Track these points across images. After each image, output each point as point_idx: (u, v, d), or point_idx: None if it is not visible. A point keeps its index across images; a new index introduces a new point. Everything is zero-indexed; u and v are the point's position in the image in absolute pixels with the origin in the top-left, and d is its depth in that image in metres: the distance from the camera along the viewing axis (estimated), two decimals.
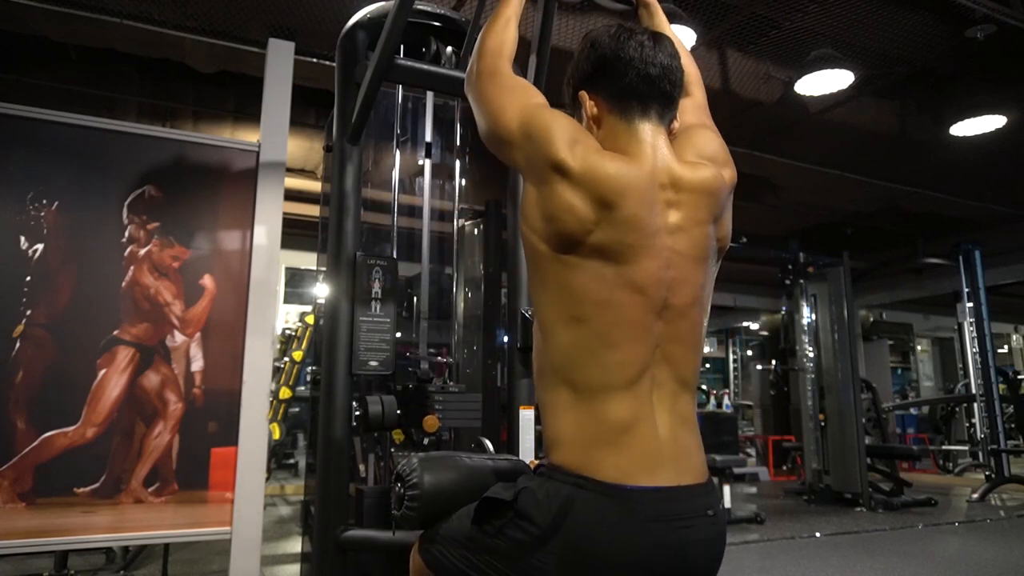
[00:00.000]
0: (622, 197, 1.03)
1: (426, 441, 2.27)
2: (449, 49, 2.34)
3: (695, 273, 1.09)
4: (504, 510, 1.05)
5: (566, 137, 1.06)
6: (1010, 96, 5.13)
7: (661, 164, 1.09)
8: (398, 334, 2.29)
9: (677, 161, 1.11)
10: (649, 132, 1.11)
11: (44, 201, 2.51)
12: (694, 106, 1.29)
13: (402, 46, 2.25)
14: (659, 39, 1.16)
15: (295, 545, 4.58)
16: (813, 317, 7.26)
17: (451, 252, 3.01)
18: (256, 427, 2.68)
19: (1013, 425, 9.64)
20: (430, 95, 2.81)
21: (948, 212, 7.94)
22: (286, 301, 8.96)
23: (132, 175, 2.65)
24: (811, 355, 7.16)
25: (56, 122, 2.57)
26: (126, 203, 2.63)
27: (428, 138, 2.78)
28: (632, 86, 1.12)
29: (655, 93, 1.13)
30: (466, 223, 3.76)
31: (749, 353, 16.28)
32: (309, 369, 7.14)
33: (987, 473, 7.67)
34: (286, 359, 7.13)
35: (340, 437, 2.06)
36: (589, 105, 1.16)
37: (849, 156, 6.30)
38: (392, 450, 2.49)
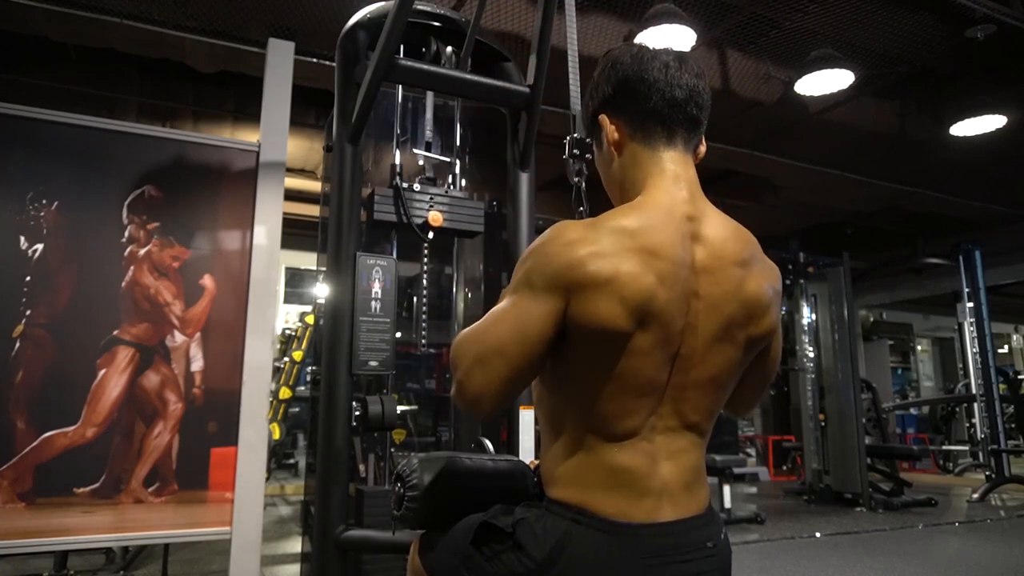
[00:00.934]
0: (655, 304, 0.95)
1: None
2: (449, 49, 2.34)
3: (713, 321, 1.01)
4: (503, 536, 1.04)
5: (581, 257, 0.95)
6: (1010, 96, 5.13)
7: (685, 208, 1.02)
8: (398, 334, 2.29)
9: (704, 208, 1.05)
10: (674, 160, 1.06)
11: (44, 201, 2.51)
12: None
13: (402, 46, 2.25)
14: (684, 59, 1.09)
15: (295, 545, 4.58)
16: (813, 317, 7.26)
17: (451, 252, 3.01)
18: (256, 427, 2.68)
19: (1013, 425, 9.64)
20: (430, 95, 2.81)
21: (948, 212, 7.94)
22: (286, 301, 8.96)
23: (132, 175, 2.65)
24: (811, 355, 7.16)
25: (56, 122, 2.57)
26: (126, 203, 2.63)
27: (428, 138, 2.78)
28: (656, 110, 1.06)
29: (681, 117, 1.07)
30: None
31: None
32: (309, 369, 7.14)
33: (987, 473, 7.67)
34: (286, 359, 7.13)
35: (340, 437, 2.06)
36: (610, 130, 1.10)
37: (849, 156, 6.31)
38: (392, 450, 2.49)
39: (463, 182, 2.80)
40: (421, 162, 2.73)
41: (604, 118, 1.11)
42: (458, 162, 2.80)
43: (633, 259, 0.94)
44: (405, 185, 2.52)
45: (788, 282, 7.41)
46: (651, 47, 1.11)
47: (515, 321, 0.97)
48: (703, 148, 1.12)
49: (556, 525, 0.99)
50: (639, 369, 0.96)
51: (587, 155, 1.35)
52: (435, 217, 2.51)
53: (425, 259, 2.67)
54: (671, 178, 1.04)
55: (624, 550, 0.96)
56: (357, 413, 2.13)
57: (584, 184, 1.37)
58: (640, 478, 0.99)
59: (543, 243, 0.99)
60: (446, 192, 2.61)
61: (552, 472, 1.04)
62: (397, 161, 2.59)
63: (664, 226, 0.99)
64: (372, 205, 2.45)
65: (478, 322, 1.04)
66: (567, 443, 1.02)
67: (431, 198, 2.54)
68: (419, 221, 2.50)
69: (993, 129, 5.42)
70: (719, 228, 1.03)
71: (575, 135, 1.37)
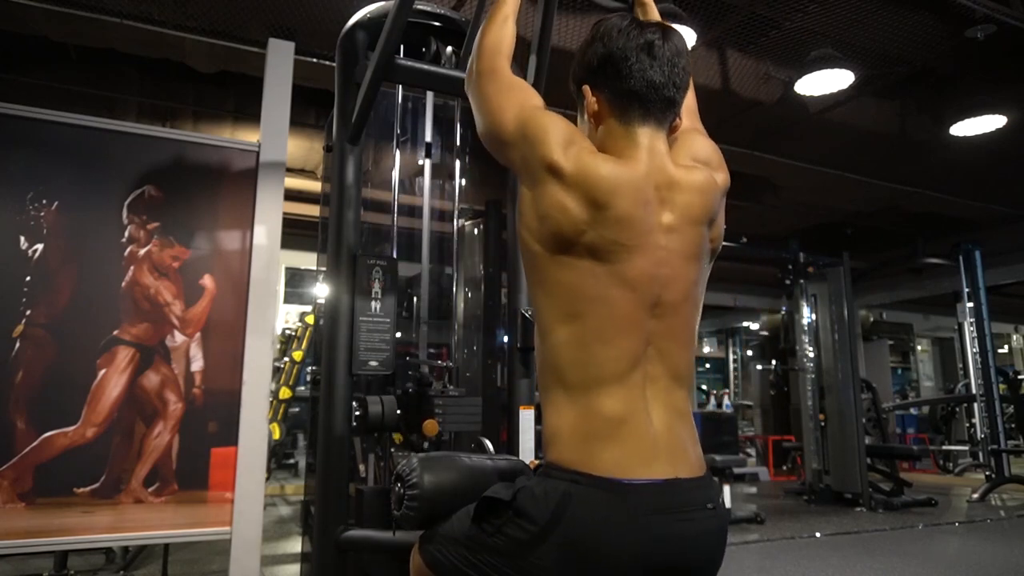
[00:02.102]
0: (614, 197, 1.04)
1: (426, 445, 2.28)
2: (449, 49, 2.34)
3: (688, 271, 1.10)
4: (503, 509, 1.05)
5: (560, 139, 1.07)
6: (1010, 96, 5.13)
7: (656, 166, 1.10)
8: (398, 334, 2.29)
9: (672, 164, 1.12)
10: (647, 136, 1.12)
11: (44, 201, 2.51)
12: (686, 110, 1.29)
13: (402, 46, 2.25)
14: (669, 36, 1.14)
15: (295, 545, 4.58)
16: (813, 317, 7.26)
17: (451, 252, 3.01)
18: (256, 427, 2.68)
19: (1013, 425, 9.64)
20: (430, 95, 2.81)
21: (948, 212, 7.94)
22: (286, 301, 8.96)
23: (132, 175, 2.65)
24: (811, 355, 7.16)
25: (56, 122, 2.57)
26: (126, 203, 2.63)
27: (428, 138, 2.78)
28: (635, 90, 1.12)
29: (658, 98, 1.12)
30: (466, 223, 3.76)
31: (749, 353, 16.27)
32: (309, 369, 7.14)
33: (987, 473, 7.67)
34: (286, 359, 7.14)
35: (340, 437, 2.06)
36: (591, 101, 1.16)
37: (849, 156, 6.31)
38: (392, 450, 2.49)
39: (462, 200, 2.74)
40: (421, 162, 2.71)
41: (587, 89, 1.17)
42: (458, 179, 2.73)
43: (603, 165, 1.06)
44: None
45: (788, 282, 7.41)
46: (641, 20, 1.17)
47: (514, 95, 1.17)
48: (679, 122, 1.19)
49: (556, 488, 1.01)
50: (620, 301, 1.04)
51: None
52: (430, 426, 2.20)
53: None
54: (644, 150, 1.11)
55: (626, 508, 0.98)
56: (357, 413, 2.13)
57: None
58: (634, 430, 1.02)
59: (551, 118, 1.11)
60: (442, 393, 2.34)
61: (548, 432, 1.07)
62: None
63: (633, 181, 1.07)
64: None
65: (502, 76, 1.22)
66: (561, 397, 1.06)
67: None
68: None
69: (993, 129, 5.42)
70: (685, 193, 1.11)
71: None
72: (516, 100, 1.16)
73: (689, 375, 1.12)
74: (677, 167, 1.12)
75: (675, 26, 1.20)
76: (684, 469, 1.04)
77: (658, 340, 1.07)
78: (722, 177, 1.18)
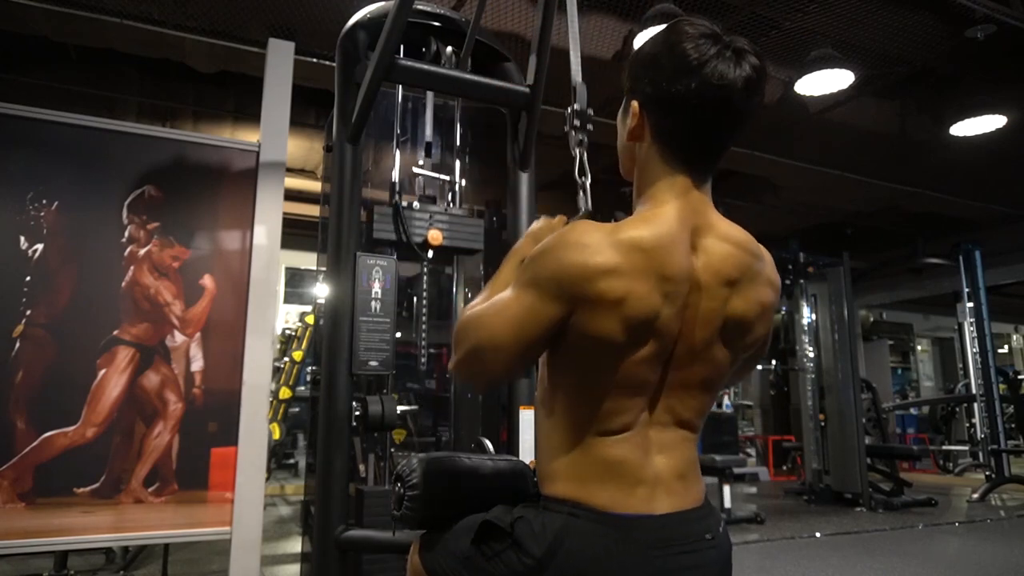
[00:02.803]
0: (655, 320, 0.96)
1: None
2: (449, 49, 2.34)
3: (703, 331, 1.02)
4: (503, 535, 1.04)
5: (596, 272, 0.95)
6: (1010, 96, 5.13)
7: (693, 210, 1.02)
8: (398, 334, 2.29)
9: (708, 217, 1.04)
10: (688, 177, 1.03)
11: (44, 201, 2.51)
12: None
13: (402, 46, 2.25)
14: (754, 90, 1.00)
15: (295, 545, 4.58)
16: (813, 317, 7.26)
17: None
18: (256, 427, 2.68)
19: (1013, 425, 9.64)
20: (430, 95, 2.81)
21: (948, 212, 7.94)
22: (286, 301, 8.96)
23: (132, 175, 2.65)
24: (811, 355, 7.16)
25: (56, 122, 2.57)
26: (126, 203, 2.63)
27: (428, 138, 2.78)
28: (686, 145, 1.02)
29: (709, 156, 1.04)
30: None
31: None
32: (309, 369, 7.14)
33: (987, 473, 7.67)
34: (286, 359, 7.13)
35: (340, 437, 2.06)
36: (633, 122, 1.06)
37: (849, 156, 6.31)
38: (392, 450, 2.49)
39: (462, 200, 2.80)
40: (420, 180, 2.73)
41: (636, 107, 1.05)
42: (458, 180, 2.80)
43: (645, 281, 0.94)
44: (404, 204, 2.52)
45: (788, 282, 7.41)
46: (733, 53, 0.98)
47: (516, 318, 0.98)
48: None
49: (553, 520, 0.99)
50: (634, 372, 0.98)
51: (588, 127, 1.39)
52: (434, 236, 2.51)
53: (425, 278, 2.67)
54: (681, 192, 1.03)
55: (623, 542, 0.96)
56: (357, 413, 2.13)
57: (586, 154, 1.37)
58: (633, 469, 1.00)
59: (559, 246, 0.96)
60: (445, 210, 2.61)
61: (547, 469, 1.05)
62: (396, 179, 2.59)
63: (674, 243, 0.98)
64: (371, 224, 2.45)
65: (483, 302, 1.05)
66: (562, 439, 1.03)
67: (430, 216, 2.54)
68: (418, 240, 2.50)
69: (993, 129, 5.42)
70: (720, 245, 1.02)
71: (576, 107, 1.39)
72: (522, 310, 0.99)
73: (699, 420, 1.06)
74: (717, 227, 1.03)
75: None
76: (683, 501, 1.02)
77: (669, 390, 1.02)
78: (772, 294, 1.07)
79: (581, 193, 1.36)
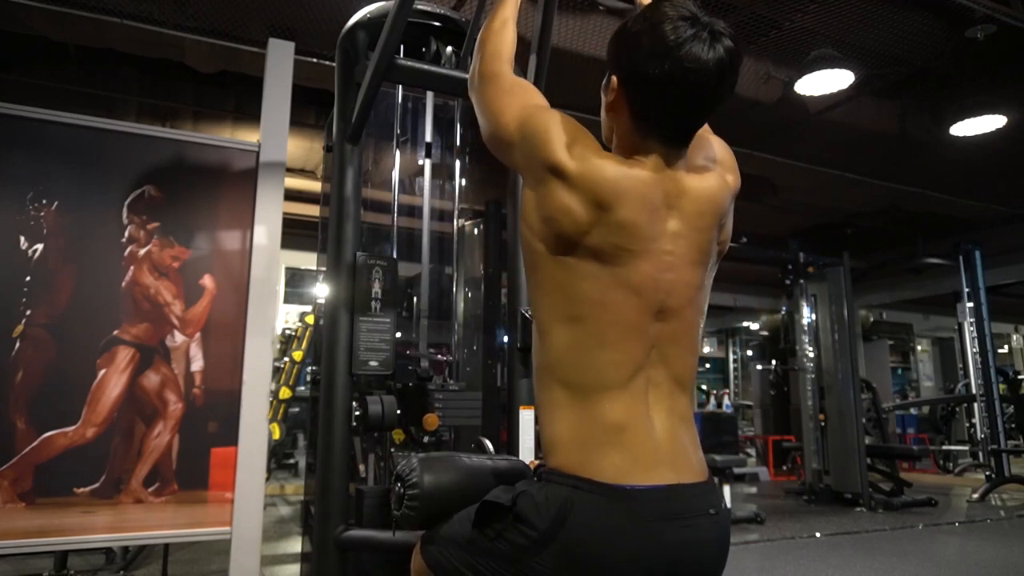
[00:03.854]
0: (619, 201, 1.01)
1: (426, 439, 2.28)
2: (449, 49, 2.34)
3: (693, 276, 1.08)
4: (503, 514, 1.04)
5: (564, 138, 1.05)
6: (1010, 96, 5.13)
7: (667, 173, 1.07)
8: (398, 334, 2.29)
9: (684, 168, 1.09)
10: (662, 152, 1.07)
11: (44, 201, 2.51)
12: None
13: (402, 46, 2.25)
14: (727, 75, 1.03)
15: (295, 545, 4.58)
16: (813, 317, 7.26)
17: (451, 252, 3.01)
18: (256, 427, 2.68)
19: (1013, 425, 9.64)
20: (430, 95, 2.81)
21: (948, 212, 7.94)
22: (286, 301, 8.96)
23: (132, 175, 2.65)
24: (811, 355, 7.16)
25: (56, 122, 2.57)
26: (126, 203, 2.63)
27: (428, 138, 2.78)
28: (663, 124, 1.06)
29: (683, 133, 1.08)
30: (466, 223, 3.76)
31: (749, 353, 16.27)
32: (309, 369, 7.14)
33: (987, 473, 7.67)
34: (286, 359, 7.13)
35: (340, 437, 2.06)
36: (611, 96, 1.10)
37: (849, 156, 6.30)
38: (392, 450, 2.49)
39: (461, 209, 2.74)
40: (421, 162, 2.70)
41: (615, 82, 1.10)
42: (458, 180, 2.74)
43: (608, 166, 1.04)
44: (399, 386, 2.34)
45: (788, 282, 7.41)
46: (708, 34, 1.01)
47: (510, 100, 1.15)
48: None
49: (557, 493, 1.00)
50: (619, 309, 1.02)
51: None
52: (430, 420, 2.26)
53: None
54: (657, 155, 1.07)
55: (628, 514, 0.97)
56: (357, 413, 2.13)
57: None
58: (635, 434, 1.01)
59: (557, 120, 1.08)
60: (441, 387, 2.41)
61: (549, 439, 1.06)
62: None
63: (639, 184, 1.04)
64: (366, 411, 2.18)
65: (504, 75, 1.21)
66: (561, 401, 1.04)
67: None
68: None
69: (993, 129, 5.42)
70: (695, 204, 1.08)
71: None
72: (518, 101, 1.14)
73: (692, 380, 1.10)
74: (689, 171, 1.09)
75: None
76: (686, 475, 1.03)
77: (661, 345, 1.05)
78: (733, 179, 1.16)
79: None
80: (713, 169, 1.13)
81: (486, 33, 1.28)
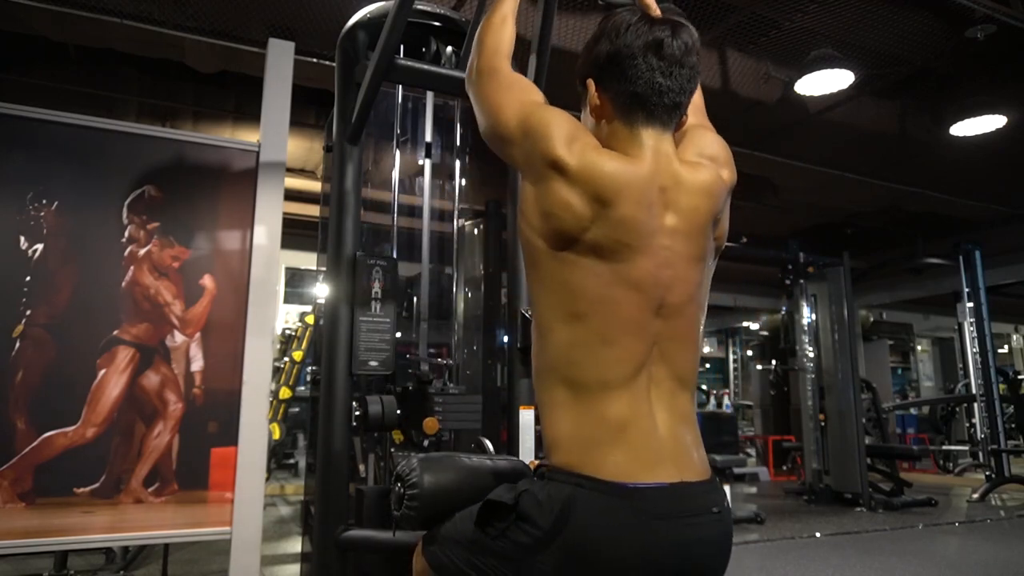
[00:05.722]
0: (619, 196, 1.02)
1: (426, 443, 2.28)
2: (449, 49, 2.34)
3: (692, 272, 1.08)
4: (506, 513, 1.04)
5: (563, 134, 1.06)
6: (1010, 96, 5.13)
7: (661, 166, 1.08)
8: (398, 334, 2.29)
9: (678, 162, 1.10)
10: (652, 137, 1.09)
11: (44, 201, 2.51)
12: (693, 107, 1.26)
13: (402, 46, 2.25)
14: (679, 33, 1.10)
15: (295, 545, 4.58)
16: (813, 317, 7.26)
17: (451, 252, 3.01)
18: (256, 427, 2.68)
19: (1013, 425, 9.64)
20: (430, 95, 2.81)
21: (948, 212, 7.94)
22: (286, 301, 8.96)
23: (132, 175, 2.65)
24: (811, 355, 7.16)
25: (56, 122, 2.57)
26: (126, 203, 2.63)
27: (428, 138, 2.78)
28: (640, 94, 1.09)
29: (664, 103, 1.09)
30: (466, 223, 3.76)
31: (749, 353, 16.26)
32: (309, 369, 7.14)
33: (987, 473, 7.67)
34: (286, 359, 7.13)
35: (340, 437, 2.06)
36: (593, 95, 1.14)
37: (849, 156, 6.31)
38: (392, 450, 2.49)
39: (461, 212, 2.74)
40: (421, 162, 2.70)
41: (591, 84, 1.14)
42: (458, 180, 2.74)
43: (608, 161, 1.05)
44: (399, 389, 2.29)
45: (788, 282, 7.41)
46: (651, 16, 1.12)
47: (507, 96, 1.16)
48: (685, 119, 1.16)
49: (559, 491, 0.99)
50: (622, 302, 1.02)
51: None
52: (430, 424, 2.21)
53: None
54: (649, 150, 1.09)
55: (631, 513, 0.96)
56: (357, 413, 2.13)
57: None
58: (637, 432, 1.01)
59: (557, 116, 1.09)
60: (442, 390, 2.35)
61: (551, 437, 1.06)
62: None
63: (637, 180, 1.05)
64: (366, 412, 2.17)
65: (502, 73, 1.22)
66: (562, 401, 1.04)
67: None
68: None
69: (993, 129, 5.42)
70: (690, 199, 1.09)
71: None
72: (517, 97, 1.15)
73: (693, 378, 1.10)
74: (683, 165, 1.10)
75: None
76: (689, 473, 1.03)
77: (662, 342, 1.05)
78: (728, 174, 1.16)
79: None
80: (707, 164, 1.14)
81: (485, 28, 1.28)
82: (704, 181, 1.11)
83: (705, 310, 1.13)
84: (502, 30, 1.27)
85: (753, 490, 8.29)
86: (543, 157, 1.05)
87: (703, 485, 1.04)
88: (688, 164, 1.11)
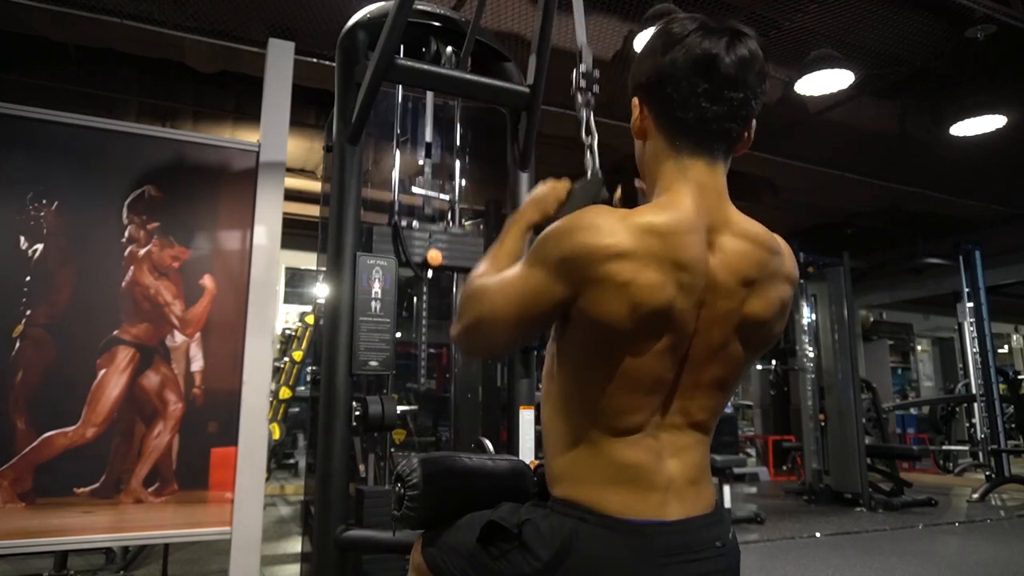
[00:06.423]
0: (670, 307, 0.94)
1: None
2: (449, 49, 2.34)
3: (723, 322, 1.01)
4: (509, 536, 1.03)
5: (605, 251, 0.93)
6: (1010, 96, 5.13)
7: (708, 203, 1.01)
8: (398, 334, 2.29)
9: (727, 201, 1.04)
10: (700, 170, 1.01)
11: (44, 201, 2.51)
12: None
13: (402, 46, 2.25)
14: (735, 47, 0.97)
15: (295, 545, 4.58)
16: (813, 317, 7.26)
17: None
18: (256, 427, 2.68)
19: (1013, 425, 9.64)
20: (430, 95, 2.81)
21: (948, 212, 7.94)
22: (286, 301, 8.96)
23: (132, 175, 2.65)
24: (811, 355, 7.16)
25: (56, 122, 2.57)
26: (126, 203, 2.63)
27: (428, 138, 2.78)
28: (683, 122, 0.99)
29: (710, 130, 1.00)
30: (466, 223, 3.75)
31: None
32: (309, 369, 7.14)
33: (987, 473, 7.67)
34: (286, 359, 7.13)
35: (340, 437, 2.06)
36: (637, 117, 1.06)
37: (849, 156, 6.30)
38: (392, 450, 2.49)
39: (461, 217, 2.77)
40: (420, 199, 2.72)
41: (636, 103, 1.06)
42: (458, 180, 2.77)
43: (658, 267, 0.92)
44: (404, 224, 2.45)
45: None
46: (711, 26, 0.99)
47: (521, 296, 0.98)
48: (750, 139, 1.06)
49: (562, 524, 0.98)
50: (648, 368, 0.96)
51: (594, 89, 1.41)
52: (434, 256, 2.42)
53: (425, 299, 2.63)
54: (695, 185, 1.00)
55: (633, 549, 0.95)
56: (357, 413, 2.13)
57: (591, 115, 1.40)
58: (646, 473, 0.98)
59: (571, 227, 0.95)
60: (445, 229, 2.53)
61: (556, 469, 1.03)
62: (396, 197, 2.54)
63: (691, 231, 0.96)
64: (371, 242, 2.37)
65: (488, 270, 1.08)
66: (572, 439, 1.01)
67: (430, 236, 2.46)
68: (418, 260, 2.42)
69: (993, 129, 5.41)
70: (737, 243, 1.01)
71: (582, 69, 1.42)
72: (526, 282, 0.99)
73: (713, 424, 1.05)
74: (733, 235, 1.02)
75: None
76: (694, 507, 1.01)
77: (684, 390, 1.01)
78: (787, 285, 1.06)
79: (588, 154, 1.36)
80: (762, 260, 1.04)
81: (487, 282, 1.05)
82: (746, 251, 1.03)
83: (743, 354, 1.04)
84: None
85: (753, 490, 8.29)
86: (589, 276, 0.94)
87: (707, 518, 1.02)
88: (736, 233, 1.03)
